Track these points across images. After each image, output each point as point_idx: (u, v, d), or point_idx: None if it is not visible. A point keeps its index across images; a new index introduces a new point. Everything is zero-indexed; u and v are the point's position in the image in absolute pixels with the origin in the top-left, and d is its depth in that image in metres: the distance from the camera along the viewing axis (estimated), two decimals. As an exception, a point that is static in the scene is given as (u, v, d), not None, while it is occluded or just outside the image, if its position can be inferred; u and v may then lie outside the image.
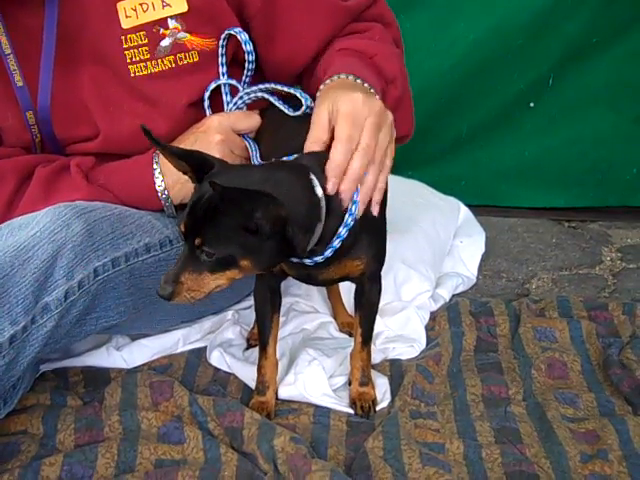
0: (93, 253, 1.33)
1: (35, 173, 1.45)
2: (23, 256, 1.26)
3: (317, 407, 1.43)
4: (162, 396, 1.42)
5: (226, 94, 1.47)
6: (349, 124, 1.22)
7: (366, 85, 1.33)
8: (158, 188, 1.44)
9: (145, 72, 1.43)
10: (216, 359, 1.56)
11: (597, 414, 1.43)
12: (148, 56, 1.42)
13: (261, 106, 1.49)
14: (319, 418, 1.41)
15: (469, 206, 2.15)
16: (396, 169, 1.98)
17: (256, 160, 1.41)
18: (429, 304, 1.75)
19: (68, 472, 1.26)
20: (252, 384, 1.47)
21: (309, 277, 1.35)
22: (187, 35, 1.43)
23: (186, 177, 1.25)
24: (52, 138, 1.49)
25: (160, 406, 1.41)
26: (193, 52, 1.44)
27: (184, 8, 1.41)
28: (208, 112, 1.48)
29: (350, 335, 1.64)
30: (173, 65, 1.43)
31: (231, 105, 1.47)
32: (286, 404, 1.45)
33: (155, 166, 1.44)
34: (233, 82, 1.46)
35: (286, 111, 1.38)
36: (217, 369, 1.56)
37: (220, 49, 1.45)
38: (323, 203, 1.21)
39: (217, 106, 1.49)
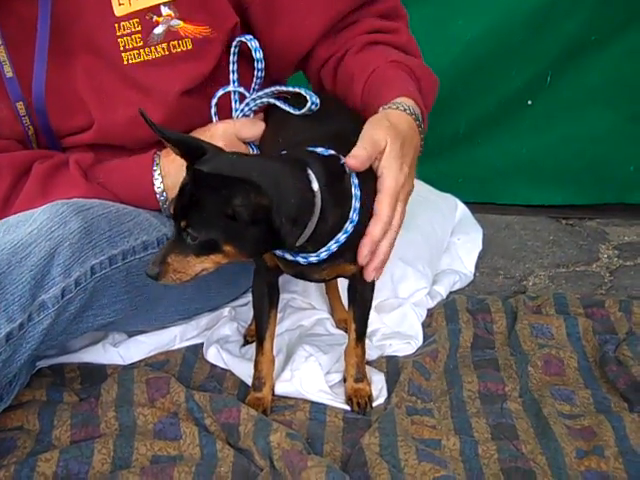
0: (90, 251, 1.33)
1: (32, 169, 1.45)
2: (20, 253, 1.26)
3: (313, 403, 1.43)
4: (158, 392, 1.42)
5: (235, 101, 1.47)
6: (391, 205, 1.29)
7: (420, 128, 1.38)
8: (157, 189, 1.44)
9: (138, 60, 1.43)
10: (213, 356, 1.56)
11: (593, 411, 1.43)
12: (141, 43, 1.42)
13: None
14: (315, 414, 1.41)
15: (466, 203, 2.15)
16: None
17: None
18: (426, 301, 1.75)
19: (64, 468, 1.26)
20: (249, 380, 1.47)
21: (302, 274, 1.35)
22: (180, 22, 1.43)
23: None
24: (48, 129, 1.49)
25: (156, 402, 1.41)
26: (186, 40, 1.43)
27: None
28: (215, 119, 1.47)
29: (347, 331, 1.64)
30: (167, 52, 1.43)
31: (238, 112, 1.47)
32: (282, 400, 1.45)
33: (155, 167, 1.44)
34: (242, 90, 1.46)
35: (292, 112, 1.38)
36: (214, 365, 1.56)
37: (232, 56, 1.45)
38: (318, 199, 1.21)
39: (223, 111, 1.48)
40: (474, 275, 1.95)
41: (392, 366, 1.54)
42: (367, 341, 1.60)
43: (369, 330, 1.64)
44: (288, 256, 1.27)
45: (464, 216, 2.12)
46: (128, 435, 1.32)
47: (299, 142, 1.31)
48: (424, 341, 1.63)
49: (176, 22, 1.42)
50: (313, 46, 1.51)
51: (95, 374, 1.52)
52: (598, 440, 1.33)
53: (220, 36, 1.45)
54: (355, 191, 1.25)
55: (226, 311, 1.68)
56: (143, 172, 1.44)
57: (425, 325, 1.68)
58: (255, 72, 1.44)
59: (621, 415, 1.38)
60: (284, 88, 1.43)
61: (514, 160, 2.35)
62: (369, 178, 1.29)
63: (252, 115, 1.48)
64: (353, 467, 1.28)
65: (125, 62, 1.43)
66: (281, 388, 1.46)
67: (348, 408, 1.43)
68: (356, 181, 1.26)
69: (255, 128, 1.45)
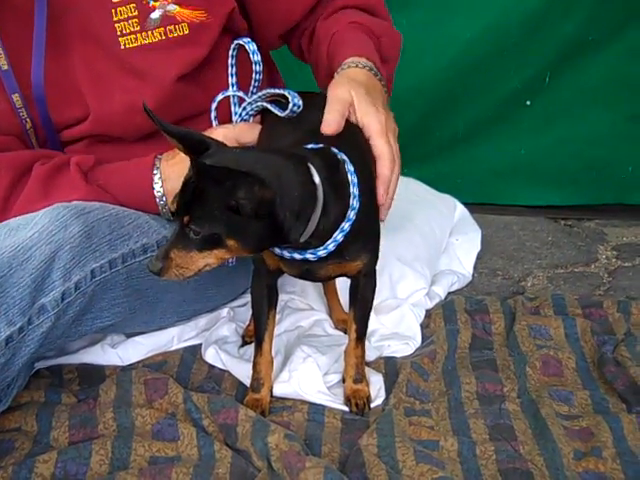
0: (91, 254, 1.33)
1: (33, 170, 1.45)
2: (21, 257, 1.26)
3: (311, 404, 1.43)
4: (157, 393, 1.42)
5: (235, 104, 1.47)
6: (387, 142, 1.34)
7: (378, 77, 1.42)
8: (157, 194, 1.44)
9: (135, 44, 1.44)
10: (211, 356, 1.56)
11: (591, 412, 1.43)
12: (138, 28, 1.43)
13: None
14: (313, 415, 1.41)
15: (465, 204, 2.15)
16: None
17: None
18: (424, 302, 1.75)
19: (62, 469, 1.26)
20: (247, 381, 1.47)
21: (308, 273, 1.35)
22: (177, 7, 1.43)
23: None
24: (47, 121, 1.49)
25: (155, 403, 1.41)
26: (183, 24, 1.43)
27: None
28: (215, 123, 1.47)
29: (345, 332, 1.64)
30: (163, 37, 1.43)
31: (237, 117, 1.46)
32: (280, 401, 1.45)
33: (155, 171, 1.44)
34: (241, 94, 1.46)
35: (279, 114, 1.38)
36: (212, 366, 1.56)
37: (230, 59, 1.45)
38: (320, 192, 1.21)
39: (222, 113, 1.49)
40: (472, 276, 1.95)
41: (390, 367, 1.54)
42: (366, 342, 1.61)
43: (368, 331, 1.65)
44: (297, 255, 1.27)
45: (463, 217, 2.12)
46: (126, 436, 1.32)
47: (292, 141, 1.32)
48: (422, 342, 1.63)
49: (172, 7, 1.43)
50: (305, 15, 1.54)
51: (93, 375, 1.52)
52: (596, 441, 1.33)
53: (216, 21, 1.46)
54: (352, 178, 1.25)
55: (224, 312, 1.68)
56: (143, 176, 1.44)
57: (423, 326, 1.68)
58: (253, 75, 1.44)
59: (619, 416, 1.38)
60: (275, 91, 1.42)
61: (512, 161, 2.35)
62: (363, 164, 1.30)
63: (251, 119, 1.47)
64: (351, 468, 1.28)
65: (122, 47, 1.44)
66: (279, 389, 1.45)
67: (346, 409, 1.43)
68: (351, 168, 1.26)
69: (254, 132, 1.45)
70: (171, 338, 1.61)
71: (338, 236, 1.25)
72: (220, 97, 1.46)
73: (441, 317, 1.70)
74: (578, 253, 2.11)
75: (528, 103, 2.30)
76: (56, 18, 1.43)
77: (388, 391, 1.47)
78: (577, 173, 2.32)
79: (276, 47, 1.67)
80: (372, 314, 1.66)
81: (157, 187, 1.44)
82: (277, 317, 1.65)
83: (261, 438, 1.30)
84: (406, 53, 2.24)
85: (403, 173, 2.19)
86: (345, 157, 1.27)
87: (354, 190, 1.25)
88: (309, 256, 1.26)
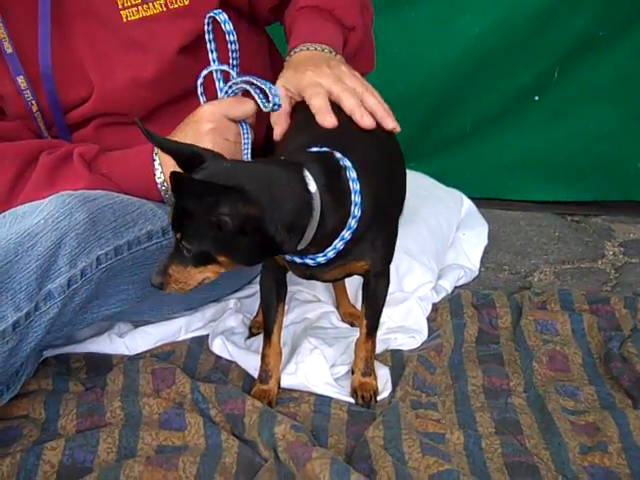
0: (96, 242, 1.34)
1: (39, 160, 1.45)
2: (27, 243, 1.27)
3: (318, 396, 1.44)
4: (164, 383, 1.42)
5: (219, 80, 1.44)
6: (317, 96, 1.33)
7: (326, 50, 1.42)
8: (158, 180, 1.44)
9: (137, 16, 1.44)
10: (218, 347, 1.57)
11: (597, 407, 1.43)
12: (139, 1, 1.44)
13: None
14: (320, 407, 1.41)
15: (472, 199, 2.15)
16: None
17: (247, 146, 1.39)
18: (431, 295, 1.75)
19: (70, 456, 1.26)
20: (253, 372, 1.47)
21: (311, 276, 1.34)
22: None
23: None
24: (55, 102, 1.49)
25: (162, 393, 1.41)
26: None
27: None
28: (202, 99, 1.45)
29: (352, 325, 1.65)
30: (164, 9, 1.44)
31: (222, 93, 1.44)
32: (287, 392, 1.45)
33: (155, 157, 1.44)
34: (224, 67, 1.43)
35: (261, 105, 1.34)
36: (219, 357, 1.56)
37: (207, 35, 1.42)
38: (317, 200, 1.18)
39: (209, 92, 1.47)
40: (479, 270, 1.95)
41: (397, 360, 1.54)
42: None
43: (374, 324, 1.66)
44: (297, 259, 1.26)
45: (470, 211, 2.12)
46: (133, 425, 1.33)
47: (305, 139, 1.30)
48: (429, 335, 1.63)
49: None
50: None
51: (101, 364, 1.53)
52: (602, 436, 1.33)
53: None
54: (354, 186, 1.23)
55: (231, 303, 1.69)
56: (144, 164, 1.45)
57: (430, 319, 1.68)
58: (228, 45, 1.40)
59: (625, 411, 1.38)
60: (254, 80, 1.37)
61: (520, 156, 2.35)
62: (368, 170, 1.26)
63: (240, 94, 1.43)
64: (357, 459, 1.28)
65: (124, 19, 1.44)
66: (286, 381, 1.46)
67: (353, 401, 1.43)
68: (353, 174, 1.23)
69: (243, 106, 1.41)
70: (178, 328, 1.61)
71: (338, 244, 1.23)
72: (204, 72, 1.43)
73: (448, 311, 1.70)
74: (585, 249, 2.10)
75: (536, 98, 2.29)
76: None
77: (394, 384, 1.47)
78: (585, 169, 2.31)
79: (271, 22, 1.66)
80: (379, 307, 1.68)
81: (158, 173, 1.44)
82: (285, 308, 1.66)
83: (268, 429, 1.30)
84: (414, 48, 2.27)
85: (410, 167, 2.20)
86: (348, 163, 1.23)
87: (356, 198, 1.22)
88: (308, 261, 1.25)
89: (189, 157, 1.19)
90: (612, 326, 1.66)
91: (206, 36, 1.41)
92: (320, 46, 1.43)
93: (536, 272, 1.98)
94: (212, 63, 1.42)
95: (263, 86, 1.32)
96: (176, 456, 1.25)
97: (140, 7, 1.44)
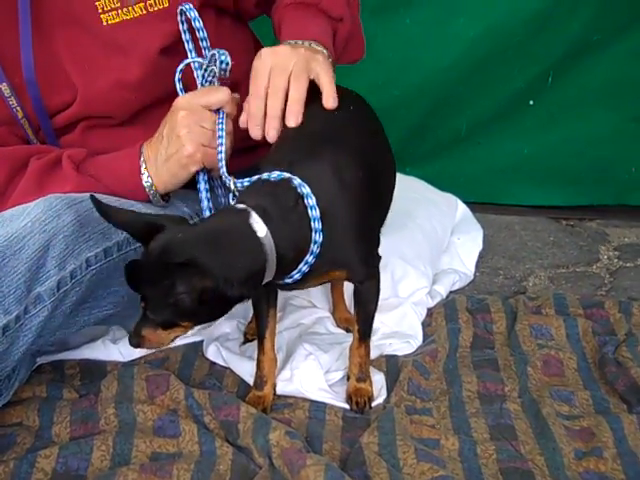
0: (84, 243, 1.34)
1: (29, 165, 1.45)
2: (14, 246, 1.26)
3: (313, 402, 1.44)
4: (158, 389, 1.42)
5: (196, 70, 1.45)
6: (252, 81, 1.36)
7: (313, 44, 1.42)
8: (145, 184, 1.44)
9: (117, 19, 1.45)
10: (212, 353, 1.56)
11: (592, 412, 1.43)
12: (119, 4, 1.44)
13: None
14: (315, 413, 1.41)
15: (466, 203, 2.15)
16: (394, 165, 2.00)
17: (221, 133, 1.39)
18: (426, 300, 1.75)
19: (63, 464, 1.26)
20: (248, 378, 1.47)
21: (292, 288, 1.35)
22: None
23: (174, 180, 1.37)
24: (40, 107, 1.49)
25: (156, 399, 1.41)
26: None
27: None
28: (181, 94, 1.46)
29: (347, 331, 1.64)
30: (144, 12, 1.44)
31: (199, 82, 1.45)
32: (282, 399, 1.45)
33: (141, 161, 1.43)
34: (200, 60, 1.44)
35: (198, 82, 1.42)
36: (213, 363, 1.56)
37: (181, 25, 1.44)
38: (268, 244, 1.19)
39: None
40: (474, 275, 1.95)
41: (392, 365, 1.54)
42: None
43: (369, 329, 1.65)
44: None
45: (464, 216, 2.12)
46: (128, 432, 1.33)
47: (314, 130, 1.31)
48: (424, 340, 1.63)
49: None
50: None
51: (95, 371, 1.52)
52: (597, 441, 1.33)
53: None
54: (313, 213, 1.22)
55: (226, 309, 1.68)
56: (130, 166, 1.44)
57: (425, 325, 1.68)
58: (200, 43, 1.44)
59: (620, 416, 1.38)
60: (213, 51, 1.41)
61: (515, 160, 2.34)
62: (334, 195, 1.26)
63: (216, 83, 1.45)
64: (352, 466, 1.28)
65: (105, 23, 1.44)
66: (281, 387, 1.46)
67: (347, 407, 1.43)
68: (312, 201, 1.22)
69: (219, 94, 1.42)
70: (173, 334, 1.61)
71: (303, 267, 1.24)
72: (181, 66, 1.44)
73: (442, 316, 1.70)
74: (580, 253, 2.11)
75: (531, 103, 2.29)
76: (40, 3, 1.44)
77: (389, 389, 1.47)
78: (579, 173, 2.31)
79: (255, 17, 1.66)
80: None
81: (145, 177, 1.44)
82: (279, 315, 1.66)
83: (262, 435, 1.30)
84: (409, 51, 2.27)
85: (405, 171, 2.22)
86: (306, 189, 1.22)
87: (316, 225, 1.22)
88: (278, 281, 1.26)
89: (144, 227, 1.21)
90: (607, 331, 1.66)
91: (180, 27, 1.44)
92: (307, 42, 1.42)
93: (531, 277, 1.98)
94: (189, 54, 1.45)
95: (215, 51, 1.38)
96: (170, 463, 1.25)
97: (120, 10, 1.44)
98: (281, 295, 1.58)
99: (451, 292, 1.84)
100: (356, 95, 1.48)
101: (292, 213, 1.23)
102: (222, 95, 1.41)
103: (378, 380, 1.48)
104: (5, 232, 1.28)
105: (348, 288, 1.66)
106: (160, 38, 1.46)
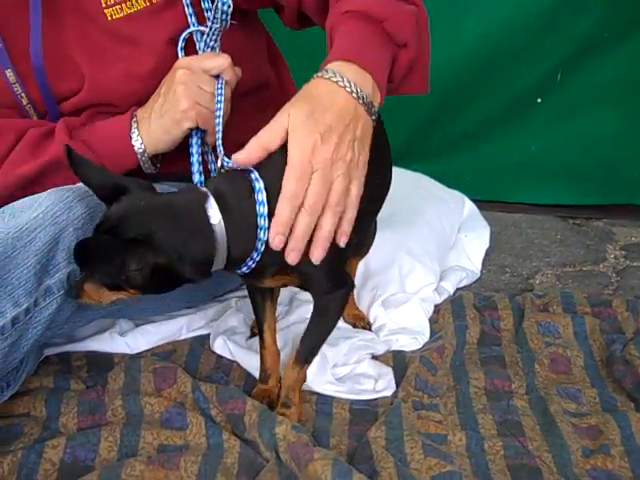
0: None
1: (27, 134, 1.45)
2: (25, 238, 1.26)
3: (320, 396, 1.44)
4: (165, 382, 1.42)
5: (198, 41, 1.44)
6: (297, 178, 1.14)
7: (361, 95, 1.21)
8: (135, 143, 1.41)
9: (121, 14, 1.44)
10: (219, 347, 1.56)
11: (600, 409, 1.43)
12: None
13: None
14: (321, 407, 1.41)
15: (474, 200, 2.15)
16: (401, 161, 2.00)
17: (220, 99, 1.37)
18: (433, 297, 1.75)
19: (71, 455, 1.26)
20: (254, 372, 1.47)
21: (250, 282, 1.33)
22: None
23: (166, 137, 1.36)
24: (47, 93, 1.49)
25: (163, 392, 1.41)
26: None
27: None
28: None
29: (354, 326, 1.65)
30: (148, 4, 1.43)
31: (200, 52, 1.43)
32: (289, 392, 1.45)
33: (133, 124, 1.42)
34: (202, 28, 1.43)
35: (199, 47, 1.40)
36: (220, 356, 1.56)
37: (186, 8, 1.43)
38: (220, 232, 1.16)
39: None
40: (481, 272, 1.95)
41: (399, 361, 1.53)
42: (374, 336, 1.61)
43: (376, 325, 1.66)
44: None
45: (471, 213, 2.12)
46: (135, 424, 1.33)
47: None
48: (431, 337, 1.63)
49: None
50: None
51: (102, 363, 1.52)
52: (604, 439, 1.33)
53: None
54: (260, 209, 1.16)
55: (233, 302, 1.68)
56: (120, 124, 1.43)
57: (432, 321, 1.67)
58: (206, 14, 1.42)
59: (627, 414, 1.38)
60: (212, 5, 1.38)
61: (522, 158, 2.34)
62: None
63: (217, 50, 1.43)
64: (359, 460, 1.28)
65: (109, 18, 1.44)
66: (288, 381, 1.45)
67: (355, 398, 1.43)
68: (261, 197, 1.16)
69: (218, 59, 1.39)
70: (180, 327, 1.61)
71: (249, 262, 1.21)
72: (184, 35, 1.44)
73: (450, 313, 1.70)
74: (586, 252, 2.10)
75: (539, 100, 2.29)
76: None
77: (396, 384, 1.47)
78: (587, 172, 2.31)
79: (267, 6, 1.56)
80: (380, 308, 1.68)
81: (138, 145, 1.41)
82: (285, 309, 1.66)
83: (268, 429, 1.29)
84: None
85: (412, 168, 2.22)
86: (260, 184, 1.16)
87: (261, 222, 1.17)
88: (237, 271, 1.23)
89: (111, 189, 1.18)
90: (614, 329, 1.65)
91: (187, 12, 1.42)
92: (356, 87, 1.20)
93: (538, 275, 1.98)
94: (191, 25, 1.43)
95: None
96: (177, 455, 1.25)
97: (124, 5, 1.43)
98: (288, 290, 1.58)
99: (458, 289, 1.84)
100: None
101: (244, 206, 1.18)
102: (222, 60, 1.39)
103: (386, 373, 1.48)
104: (16, 224, 1.27)
105: (357, 282, 1.66)
106: (167, 29, 1.45)
